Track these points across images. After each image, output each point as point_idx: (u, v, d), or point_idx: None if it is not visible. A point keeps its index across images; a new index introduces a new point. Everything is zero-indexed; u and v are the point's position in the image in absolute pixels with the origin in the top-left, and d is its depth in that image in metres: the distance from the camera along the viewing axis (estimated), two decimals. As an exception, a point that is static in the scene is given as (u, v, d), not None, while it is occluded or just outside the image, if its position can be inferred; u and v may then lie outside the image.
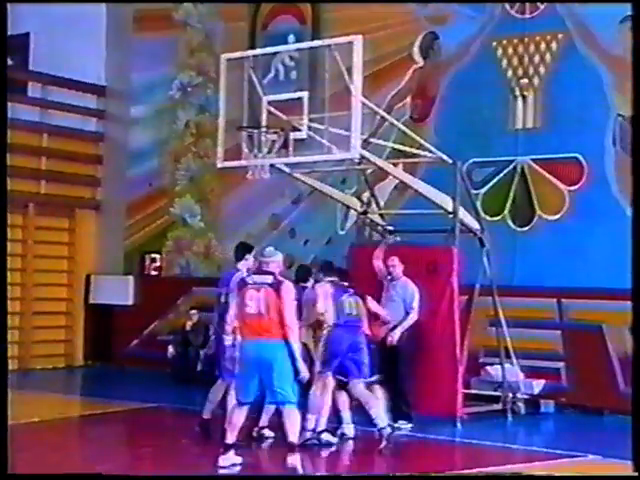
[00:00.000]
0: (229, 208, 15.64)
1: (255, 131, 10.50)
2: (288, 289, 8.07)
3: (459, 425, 10.52)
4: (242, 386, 8.16)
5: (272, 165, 10.72)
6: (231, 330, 8.61)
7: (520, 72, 12.98)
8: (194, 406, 11.37)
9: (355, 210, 12.61)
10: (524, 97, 12.92)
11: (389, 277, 10.82)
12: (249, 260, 9.30)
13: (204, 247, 15.99)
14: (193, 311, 14.82)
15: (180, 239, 16.29)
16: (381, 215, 12.53)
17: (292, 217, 14.91)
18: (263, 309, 7.99)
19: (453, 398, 10.64)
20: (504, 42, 13.13)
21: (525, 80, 12.92)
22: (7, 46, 16.26)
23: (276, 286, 8.05)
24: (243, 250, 9.49)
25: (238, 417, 8.18)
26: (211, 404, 9.51)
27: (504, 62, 13.12)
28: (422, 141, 11.53)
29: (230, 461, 8.12)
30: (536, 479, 7.09)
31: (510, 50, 13.08)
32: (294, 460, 7.87)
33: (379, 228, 12.43)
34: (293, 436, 8.01)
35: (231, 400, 8.61)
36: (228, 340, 8.67)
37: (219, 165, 11.21)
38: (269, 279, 8.08)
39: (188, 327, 14.78)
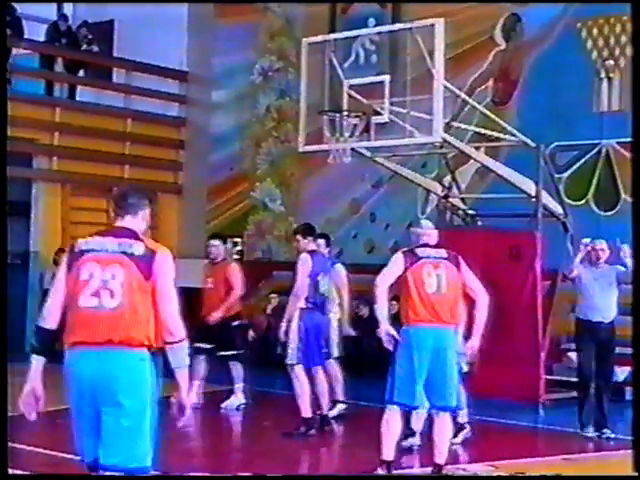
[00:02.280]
0: (309, 192, 15.68)
1: (337, 115, 10.52)
2: (466, 266, 7.02)
3: (541, 411, 10.43)
4: (408, 385, 6.72)
5: (353, 149, 10.73)
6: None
7: (605, 53, 12.76)
8: (274, 389, 11.51)
9: (436, 194, 12.55)
10: (610, 79, 12.69)
11: (595, 263, 9.21)
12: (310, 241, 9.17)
13: (285, 231, 16.05)
14: (273, 295, 14.92)
15: (261, 223, 16.40)
16: (462, 199, 12.44)
17: (372, 201, 14.89)
18: (444, 287, 6.80)
19: (535, 384, 10.54)
20: (589, 23, 12.91)
21: (611, 61, 12.69)
22: (92, 33, 16.70)
23: (454, 260, 6.94)
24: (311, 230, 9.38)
25: (396, 426, 6.83)
26: (305, 402, 8.94)
27: (589, 43, 12.90)
28: (504, 124, 11.42)
29: None
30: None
31: (595, 31, 12.85)
32: None
33: (460, 212, 12.35)
34: (441, 456, 6.89)
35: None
36: (385, 329, 6.82)
37: (300, 149, 11.26)
38: (444, 252, 6.95)
39: (269, 311, 14.90)
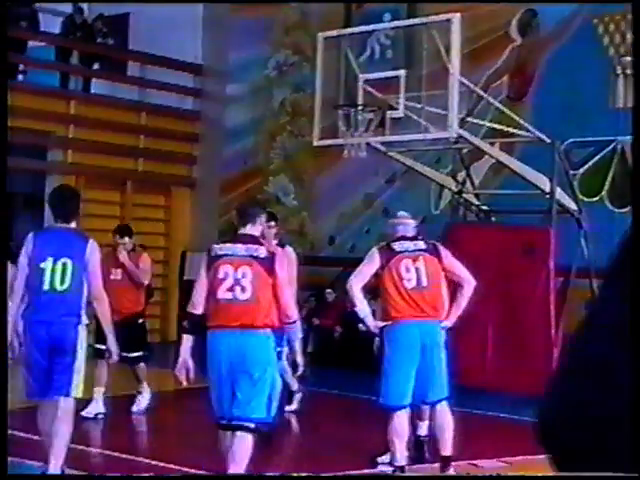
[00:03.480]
0: (323, 187, 15.71)
1: (352, 110, 10.55)
2: (448, 252, 6.84)
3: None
4: (397, 384, 6.58)
5: (368, 144, 10.77)
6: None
7: (622, 49, 12.74)
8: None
9: (450, 190, 12.57)
10: (626, 75, 12.69)
11: None
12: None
13: (298, 225, 16.12)
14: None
15: (274, 217, 16.42)
16: (476, 195, 12.47)
17: (386, 196, 14.91)
18: (424, 281, 6.60)
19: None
20: (606, 19, 12.90)
21: (627, 58, 12.68)
22: (108, 26, 16.77)
23: (434, 251, 6.74)
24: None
25: (403, 426, 6.64)
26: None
27: (605, 39, 12.89)
28: (519, 120, 11.43)
29: None
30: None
31: (612, 27, 12.84)
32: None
33: (474, 208, 12.38)
34: (446, 448, 6.75)
35: None
36: (374, 324, 6.78)
37: (315, 143, 11.30)
38: (422, 244, 6.74)
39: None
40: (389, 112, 10.53)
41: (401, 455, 6.64)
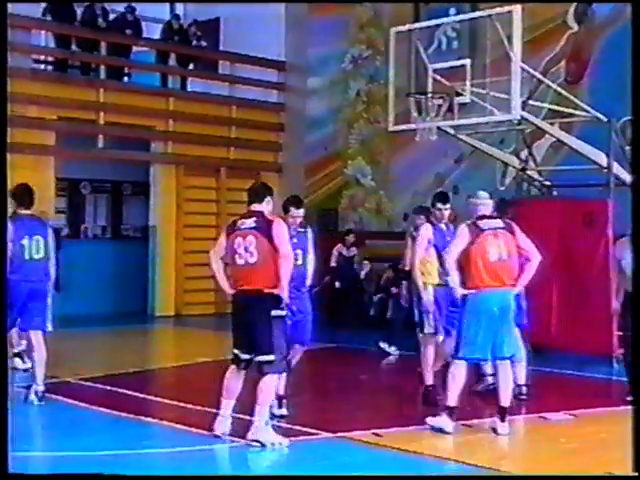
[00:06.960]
0: (397, 168, 15.69)
1: (422, 97, 10.54)
2: (519, 230, 7.18)
3: (615, 365, 10.31)
4: (472, 343, 7.02)
5: (438, 127, 10.73)
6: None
7: (673, 33, 12.39)
8: (367, 346, 11.66)
9: (514, 167, 12.44)
10: (677, 56, 12.34)
11: None
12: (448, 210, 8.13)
13: (375, 204, 16.13)
14: (365, 262, 15.01)
15: (354, 197, 16.48)
16: (539, 171, 12.32)
17: (455, 175, 14.81)
18: (505, 255, 7.01)
19: (609, 340, 10.42)
20: (656, 5, 12.53)
21: (678, 40, 12.33)
22: (201, 30, 16.92)
23: (509, 228, 7.13)
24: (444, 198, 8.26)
25: (460, 377, 7.05)
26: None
27: (657, 24, 12.54)
28: (577, 101, 11.23)
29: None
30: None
31: (662, 12, 12.48)
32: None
33: (537, 183, 12.24)
34: (505, 399, 7.18)
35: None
36: (460, 292, 7.08)
37: (390, 129, 11.35)
38: (500, 222, 7.14)
39: (362, 276, 15.00)
40: (457, 98, 10.49)
41: (453, 398, 7.03)
